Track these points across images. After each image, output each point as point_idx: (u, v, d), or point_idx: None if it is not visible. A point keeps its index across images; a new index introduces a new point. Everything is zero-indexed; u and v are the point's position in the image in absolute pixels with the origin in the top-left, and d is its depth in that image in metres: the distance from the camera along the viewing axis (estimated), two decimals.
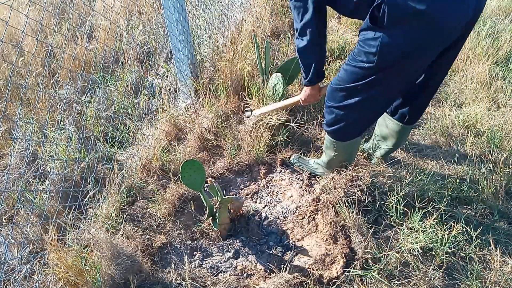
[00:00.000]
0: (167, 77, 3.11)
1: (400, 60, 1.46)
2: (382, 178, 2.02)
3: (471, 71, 2.96)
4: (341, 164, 2.01)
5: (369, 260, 1.71)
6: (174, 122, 2.51)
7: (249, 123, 2.40)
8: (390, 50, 1.43)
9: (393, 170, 2.06)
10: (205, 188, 1.80)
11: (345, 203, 1.86)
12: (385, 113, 1.98)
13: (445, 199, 1.91)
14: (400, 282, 1.64)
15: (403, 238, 1.78)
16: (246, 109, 2.54)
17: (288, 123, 2.41)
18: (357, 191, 1.92)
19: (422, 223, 1.81)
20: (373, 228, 1.80)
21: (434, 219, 1.80)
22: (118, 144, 2.47)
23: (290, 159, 2.29)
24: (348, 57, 1.63)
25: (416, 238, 1.75)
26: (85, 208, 2.04)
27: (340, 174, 2.06)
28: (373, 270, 1.67)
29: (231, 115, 2.55)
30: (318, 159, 2.20)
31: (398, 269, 1.67)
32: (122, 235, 1.87)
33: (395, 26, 1.38)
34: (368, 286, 1.64)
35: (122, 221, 1.96)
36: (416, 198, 1.91)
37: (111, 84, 3.06)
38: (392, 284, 1.63)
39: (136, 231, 1.91)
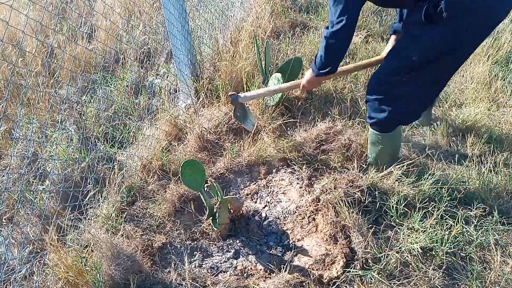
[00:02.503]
0: (167, 77, 3.12)
1: (452, 52, 1.56)
2: (382, 179, 2.02)
3: (471, 71, 2.96)
4: (392, 158, 2.04)
5: (369, 260, 1.71)
6: (174, 122, 2.51)
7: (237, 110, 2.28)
8: (443, 43, 1.54)
9: (394, 170, 2.06)
10: (205, 188, 1.80)
11: (345, 203, 1.86)
12: None
13: (445, 199, 1.91)
14: (400, 282, 1.64)
15: (403, 238, 1.78)
16: (230, 93, 2.31)
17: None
18: (357, 191, 1.92)
19: (422, 223, 1.81)
20: (373, 228, 1.80)
21: (434, 219, 1.80)
22: (118, 144, 2.47)
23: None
24: (392, 50, 1.71)
25: (416, 238, 1.75)
26: (85, 208, 2.04)
27: (341, 174, 2.06)
28: (373, 270, 1.67)
29: (231, 115, 2.55)
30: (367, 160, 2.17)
31: (398, 269, 1.67)
32: (122, 235, 1.87)
33: (451, 21, 1.49)
34: (368, 286, 1.64)
35: (122, 221, 1.96)
36: (416, 198, 1.91)
37: (111, 84, 3.06)
38: (392, 284, 1.63)
39: (136, 231, 1.92)
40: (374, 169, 2.04)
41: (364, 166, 2.15)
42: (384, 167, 2.02)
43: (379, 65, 2.10)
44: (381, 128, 1.91)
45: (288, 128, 2.50)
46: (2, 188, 2.14)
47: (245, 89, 2.65)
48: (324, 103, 2.68)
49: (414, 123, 2.32)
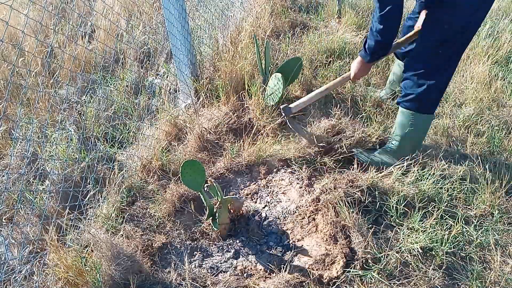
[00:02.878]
0: (167, 77, 3.12)
1: (483, 17, 1.80)
2: (382, 179, 2.02)
3: (471, 71, 2.96)
4: (413, 147, 2.13)
5: (369, 260, 1.71)
6: (174, 122, 2.51)
7: (290, 121, 2.31)
8: (469, 14, 1.76)
9: (394, 170, 2.06)
10: (205, 188, 1.80)
11: (345, 203, 1.86)
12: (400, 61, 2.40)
13: (445, 199, 1.91)
14: (400, 282, 1.64)
15: (403, 238, 1.78)
16: (282, 106, 2.34)
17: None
18: (357, 191, 1.92)
19: (422, 223, 1.81)
20: (373, 228, 1.80)
21: (434, 219, 1.80)
22: (118, 144, 2.47)
23: (355, 152, 2.23)
24: (427, 26, 1.87)
25: (416, 238, 1.75)
26: (85, 208, 2.04)
27: (341, 174, 2.06)
28: (373, 270, 1.67)
29: (232, 115, 2.55)
30: (383, 148, 2.22)
31: (398, 269, 1.68)
32: (122, 235, 1.87)
33: None
34: (368, 286, 1.64)
35: (122, 221, 1.96)
36: (416, 198, 1.91)
37: (111, 84, 3.06)
38: (392, 284, 1.63)
39: (136, 231, 1.92)
40: (374, 169, 2.04)
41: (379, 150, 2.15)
42: (400, 160, 2.07)
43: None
44: (418, 106, 1.98)
45: (288, 128, 2.50)
46: (2, 188, 2.14)
47: (245, 89, 2.65)
48: (324, 103, 2.68)
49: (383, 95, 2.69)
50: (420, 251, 1.71)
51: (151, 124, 2.55)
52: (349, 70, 2.23)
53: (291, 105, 2.30)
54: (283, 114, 2.31)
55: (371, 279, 1.65)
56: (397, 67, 2.51)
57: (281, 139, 2.40)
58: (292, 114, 2.31)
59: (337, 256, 1.75)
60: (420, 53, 1.93)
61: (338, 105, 2.59)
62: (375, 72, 2.99)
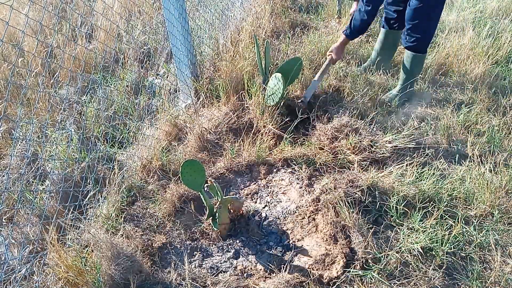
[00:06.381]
0: (167, 77, 3.12)
1: None
2: (382, 178, 2.02)
3: (471, 71, 2.96)
4: (416, 76, 2.75)
5: (369, 260, 1.71)
6: (174, 122, 2.51)
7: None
8: None
9: (394, 170, 2.06)
10: (205, 188, 1.80)
11: (345, 203, 1.86)
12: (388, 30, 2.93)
13: (445, 199, 1.91)
14: (400, 282, 1.64)
15: (403, 238, 1.78)
16: (298, 101, 2.65)
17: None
18: (357, 191, 1.92)
19: (422, 223, 1.81)
20: (373, 228, 1.80)
21: (434, 219, 1.80)
22: (118, 144, 2.47)
23: (387, 98, 2.76)
24: None
25: (416, 238, 1.75)
26: (85, 208, 2.04)
27: (341, 174, 2.06)
28: (373, 270, 1.67)
29: (232, 115, 2.55)
30: (398, 87, 2.75)
31: (398, 269, 1.67)
32: (122, 235, 1.87)
33: None
34: (368, 286, 1.64)
35: (122, 221, 1.96)
36: (416, 198, 1.91)
37: (111, 84, 3.06)
38: (392, 284, 1.63)
39: (136, 231, 1.92)
40: (374, 168, 2.04)
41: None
42: (408, 87, 2.68)
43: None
44: (421, 47, 2.56)
45: (291, 128, 2.50)
46: (2, 188, 2.14)
47: (245, 89, 2.65)
48: (323, 102, 2.68)
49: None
50: (420, 251, 1.71)
51: (151, 124, 2.55)
52: (330, 54, 2.76)
53: (305, 95, 2.63)
54: (304, 105, 2.61)
55: (371, 279, 1.65)
56: (382, 35, 2.98)
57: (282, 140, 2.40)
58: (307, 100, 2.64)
59: (337, 256, 1.75)
60: (423, 9, 2.44)
61: (338, 105, 2.59)
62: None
